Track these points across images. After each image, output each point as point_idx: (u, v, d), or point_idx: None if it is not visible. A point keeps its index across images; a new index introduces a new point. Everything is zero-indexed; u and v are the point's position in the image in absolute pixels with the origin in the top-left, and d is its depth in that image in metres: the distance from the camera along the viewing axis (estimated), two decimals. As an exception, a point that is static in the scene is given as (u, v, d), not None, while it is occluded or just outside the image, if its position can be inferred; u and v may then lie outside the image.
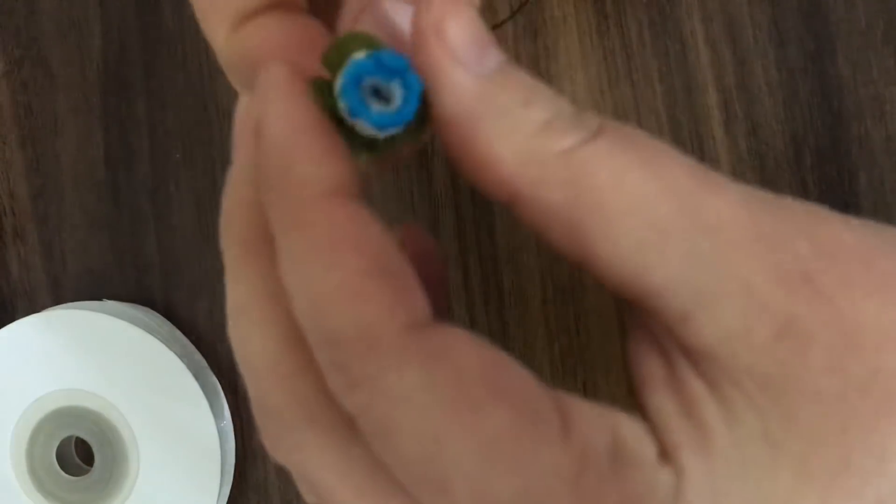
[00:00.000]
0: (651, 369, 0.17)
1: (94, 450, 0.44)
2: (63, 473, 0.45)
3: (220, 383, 0.45)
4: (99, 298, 0.46)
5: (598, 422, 0.16)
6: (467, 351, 0.16)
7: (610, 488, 0.15)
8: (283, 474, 0.46)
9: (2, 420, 0.45)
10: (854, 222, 0.18)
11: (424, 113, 0.18)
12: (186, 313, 0.46)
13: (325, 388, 0.17)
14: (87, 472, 0.45)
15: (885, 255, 0.17)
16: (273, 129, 0.17)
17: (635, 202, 0.16)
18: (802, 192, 0.40)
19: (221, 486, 0.44)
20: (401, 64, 0.17)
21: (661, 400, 0.17)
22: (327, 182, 0.17)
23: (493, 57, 0.17)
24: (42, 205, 0.47)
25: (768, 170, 0.41)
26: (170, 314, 0.46)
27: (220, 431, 0.44)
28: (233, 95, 0.46)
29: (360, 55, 0.17)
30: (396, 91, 0.17)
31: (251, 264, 0.18)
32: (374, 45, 0.18)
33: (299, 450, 0.17)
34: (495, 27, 0.43)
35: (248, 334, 0.17)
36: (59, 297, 0.47)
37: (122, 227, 0.46)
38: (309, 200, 0.16)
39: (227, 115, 0.46)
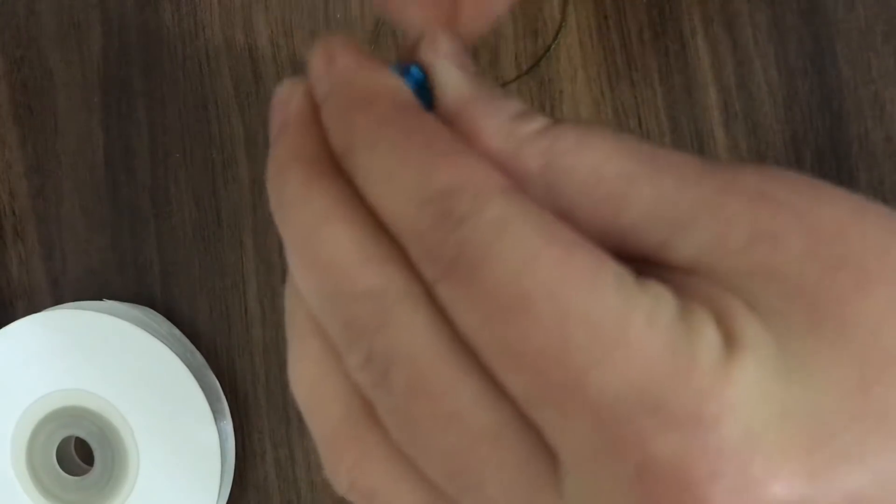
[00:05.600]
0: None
1: (94, 450, 0.44)
2: (63, 473, 0.45)
3: (220, 383, 0.45)
4: (99, 298, 0.46)
5: (664, 287, 0.18)
6: (549, 213, 0.19)
7: (682, 340, 0.17)
8: (283, 474, 0.46)
9: (2, 420, 0.45)
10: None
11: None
12: (186, 313, 0.46)
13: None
14: (87, 471, 0.45)
15: (810, 179, 0.20)
16: (346, 61, 0.20)
17: (602, 158, 0.19)
18: (802, 192, 0.40)
19: (221, 486, 0.44)
20: (419, 75, 0.21)
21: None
22: (408, 95, 0.20)
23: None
24: (42, 205, 0.47)
25: (768, 170, 0.41)
26: (170, 314, 0.46)
27: (220, 431, 0.44)
28: (232, 95, 0.46)
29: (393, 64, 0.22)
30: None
31: (315, 334, 0.20)
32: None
33: (364, 470, 0.20)
34: (505, 84, 0.43)
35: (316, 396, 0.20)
36: (59, 297, 0.47)
37: (122, 227, 0.46)
38: (398, 107, 0.20)
39: (226, 115, 0.46)
